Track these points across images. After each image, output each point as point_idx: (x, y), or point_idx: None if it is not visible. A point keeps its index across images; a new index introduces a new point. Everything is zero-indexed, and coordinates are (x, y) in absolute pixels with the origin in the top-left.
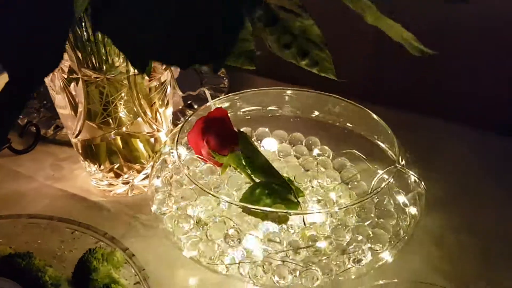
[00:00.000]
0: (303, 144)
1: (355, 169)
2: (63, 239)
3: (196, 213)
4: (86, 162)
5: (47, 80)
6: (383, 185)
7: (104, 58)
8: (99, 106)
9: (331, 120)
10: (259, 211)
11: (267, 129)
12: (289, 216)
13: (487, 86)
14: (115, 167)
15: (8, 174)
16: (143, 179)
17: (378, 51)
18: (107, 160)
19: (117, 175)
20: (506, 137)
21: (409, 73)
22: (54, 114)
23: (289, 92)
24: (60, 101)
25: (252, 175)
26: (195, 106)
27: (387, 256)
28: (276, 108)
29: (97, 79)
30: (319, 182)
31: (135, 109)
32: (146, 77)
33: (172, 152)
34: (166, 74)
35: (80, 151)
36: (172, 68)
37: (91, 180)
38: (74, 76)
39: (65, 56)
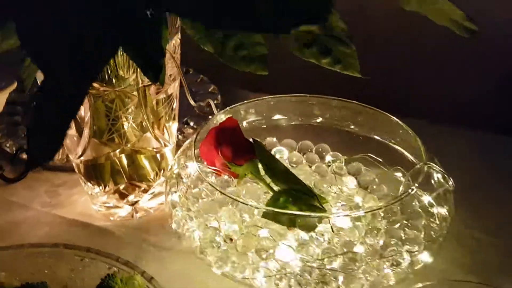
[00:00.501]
0: (313, 151)
1: (372, 173)
2: (73, 267)
3: (221, 226)
4: (88, 185)
5: None
6: (419, 180)
7: (113, 69)
8: (106, 121)
9: (339, 125)
10: (287, 216)
11: (275, 139)
12: (317, 223)
13: (480, 86)
14: (121, 187)
15: (1, 204)
16: (151, 199)
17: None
18: (111, 181)
19: (122, 196)
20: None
21: (404, 76)
22: None
23: (293, 99)
24: None
25: (270, 184)
26: (191, 123)
27: (425, 257)
28: (280, 117)
29: (106, 92)
30: (339, 188)
31: (144, 124)
32: (152, 90)
33: (186, 166)
34: (172, 87)
35: (83, 173)
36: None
37: (93, 204)
38: None
39: None
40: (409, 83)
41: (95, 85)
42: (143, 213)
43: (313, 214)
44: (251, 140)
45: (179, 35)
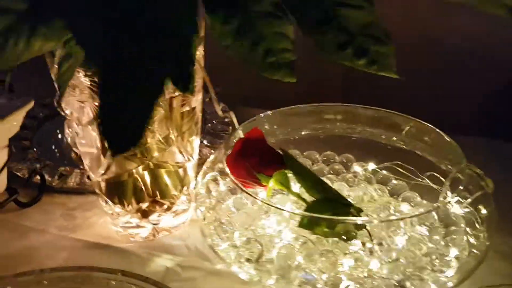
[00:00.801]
0: (337, 162)
1: (403, 181)
2: None
3: (258, 238)
4: (110, 204)
5: (74, 114)
6: (463, 183)
7: None
8: None
9: (361, 134)
10: (325, 226)
11: (297, 151)
12: (357, 231)
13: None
14: (144, 206)
15: (16, 229)
16: (175, 216)
17: None
18: (134, 199)
19: (145, 215)
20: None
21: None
22: (57, 163)
23: (309, 109)
24: (86, 136)
25: (301, 194)
26: (205, 141)
27: (472, 263)
28: (299, 128)
29: None
30: (372, 197)
31: (171, 136)
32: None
33: (215, 179)
34: (195, 100)
35: (104, 192)
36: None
37: (113, 225)
38: None
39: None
40: (411, 89)
41: None
42: (164, 233)
43: (357, 219)
44: (278, 150)
45: (202, 47)
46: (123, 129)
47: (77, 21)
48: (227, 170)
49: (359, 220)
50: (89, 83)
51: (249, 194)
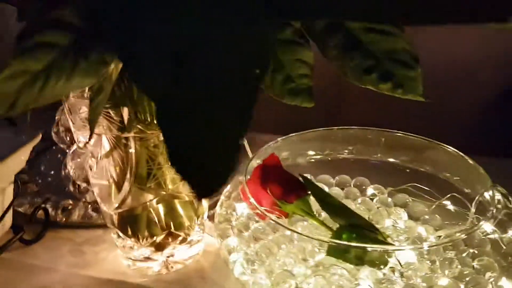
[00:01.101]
0: (352, 185)
1: (421, 204)
2: None
3: (289, 268)
4: (123, 238)
5: (89, 147)
6: (495, 203)
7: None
8: (146, 167)
9: (370, 156)
10: (354, 253)
11: (310, 175)
12: (388, 258)
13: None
14: (158, 239)
15: (23, 268)
16: (187, 249)
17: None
18: (147, 232)
19: (159, 248)
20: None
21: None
22: (57, 196)
23: (317, 134)
24: (100, 169)
25: (324, 221)
26: None
27: (506, 283)
28: (308, 153)
29: (152, 134)
30: (394, 220)
31: None
32: None
33: (235, 207)
34: None
35: (117, 225)
36: None
37: (125, 260)
38: (125, 134)
39: (112, 114)
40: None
41: (142, 127)
42: (178, 265)
43: (392, 247)
44: (296, 176)
45: None
46: (208, 171)
47: (131, 51)
48: (251, 198)
49: (396, 248)
50: (104, 115)
51: (280, 224)
